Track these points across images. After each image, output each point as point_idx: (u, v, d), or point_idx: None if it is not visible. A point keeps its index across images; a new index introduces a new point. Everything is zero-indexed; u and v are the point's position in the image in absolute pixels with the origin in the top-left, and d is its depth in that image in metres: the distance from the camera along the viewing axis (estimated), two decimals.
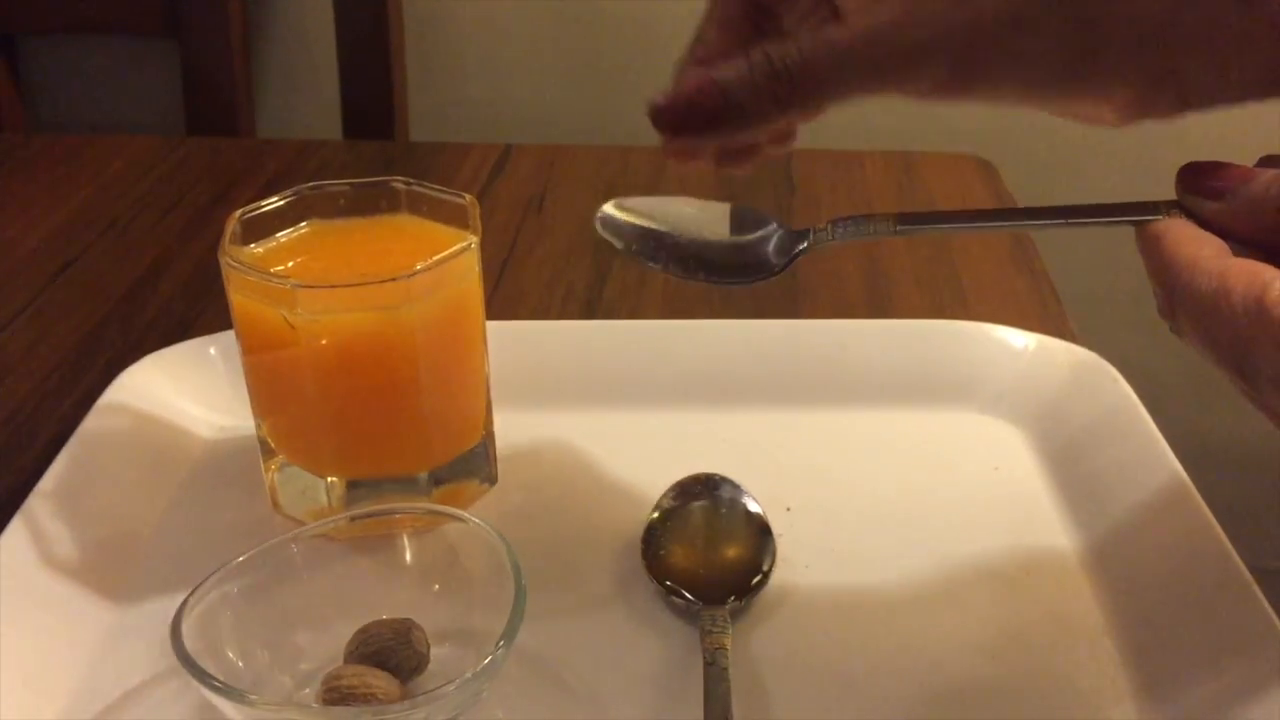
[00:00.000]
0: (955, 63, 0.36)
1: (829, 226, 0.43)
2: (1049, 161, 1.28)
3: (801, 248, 0.44)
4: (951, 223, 0.44)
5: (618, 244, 0.45)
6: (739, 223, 0.45)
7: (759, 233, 0.45)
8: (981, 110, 1.23)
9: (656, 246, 0.45)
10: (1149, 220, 0.39)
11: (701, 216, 0.45)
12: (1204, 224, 0.38)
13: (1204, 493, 0.49)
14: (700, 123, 0.39)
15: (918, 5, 0.36)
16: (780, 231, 0.45)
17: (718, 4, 0.42)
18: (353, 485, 0.50)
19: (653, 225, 0.45)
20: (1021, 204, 0.84)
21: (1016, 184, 0.88)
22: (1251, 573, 0.45)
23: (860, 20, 0.37)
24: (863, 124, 1.28)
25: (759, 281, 0.44)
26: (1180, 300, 0.36)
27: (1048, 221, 0.42)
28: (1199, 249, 0.36)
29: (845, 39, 0.37)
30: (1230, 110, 0.37)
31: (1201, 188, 0.39)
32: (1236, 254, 0.36)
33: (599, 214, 0.45)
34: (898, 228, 0.42)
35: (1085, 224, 0.41)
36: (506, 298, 0.71)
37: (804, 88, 0.37)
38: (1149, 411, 0.54)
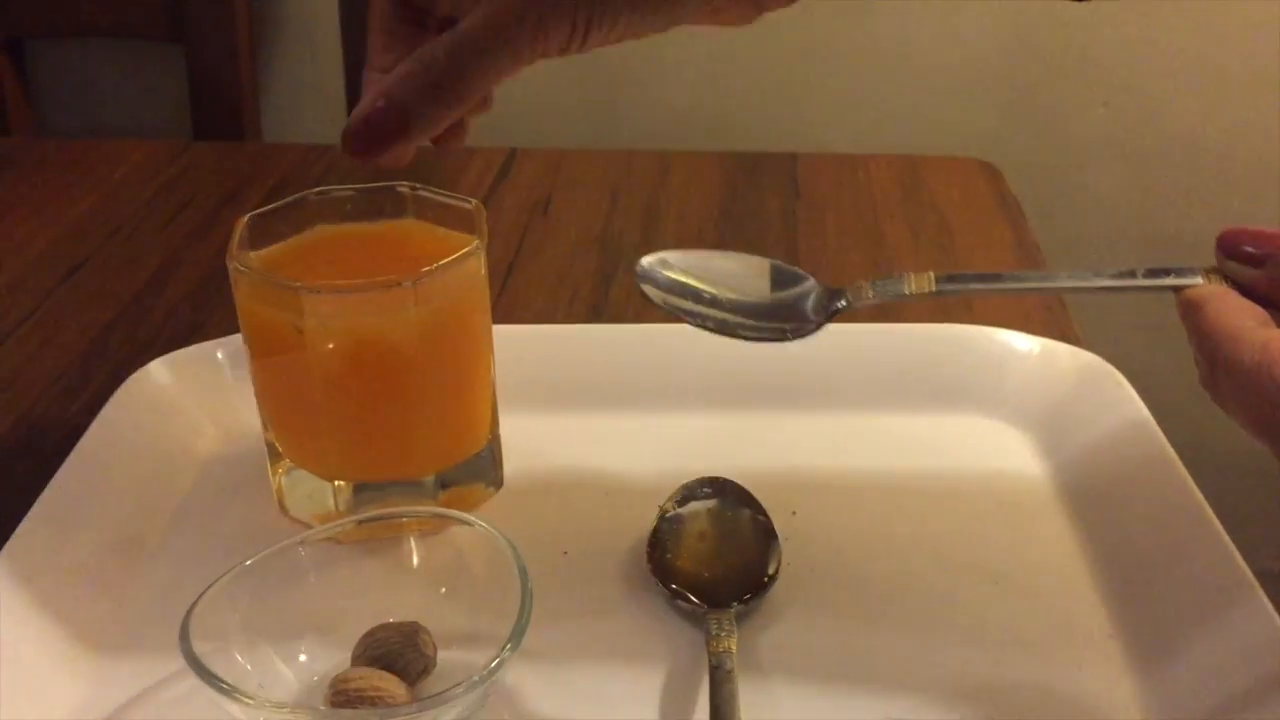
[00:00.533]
0: (581, 13, 0.38)
1: (868, 284, 0.44)
2: (1053, 165, 1.28)
3: (840, 305, 0.44)
4: (990, 284, 0.44)
5: (656, 298, 0.45)
6: (777, 279, 0.46)
7: (796, 289, 0.45)
8: (986, 114, 1.24)
9: (695, 302, 0.45)
10: (1189, 285, 0.39)
11: (740, 272, 0.46)
12: (1243, 290, 0.39)
13: (1208, 495, 0.49)
14: (386, 137, 0.41)
15: None
16: (818, 289, 0.45)
17: (374, 11, 0.44)
18: (359, 489, 0.50)
19: (691, 281, 0.45)
20: (1025, 207, 0.84)
21: (1021, 187, 0.88)
22: (1255, 575, 0.45)
23: (486, 7, 0.39)
24: (867, 128, 1.29)
25: (796, 339, 0.44)
26: (1223, 372, 0.36)
27: (1087, 284, 0.42)
28: (1241, 320, 0.37)
29: (477, 28, 0.39)
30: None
31: (1241, 254, 0.39)
32: (1279, 323, 0.37)
33: (638, 268, 0.45)
34: (936, 288, 0.42)
35: (1126, 289, 0.41)
36: (512, 301, 0.71)
37: (460, 81, 0.40)
38: (1153, 415, 0.55)
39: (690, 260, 0.46)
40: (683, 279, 0.45)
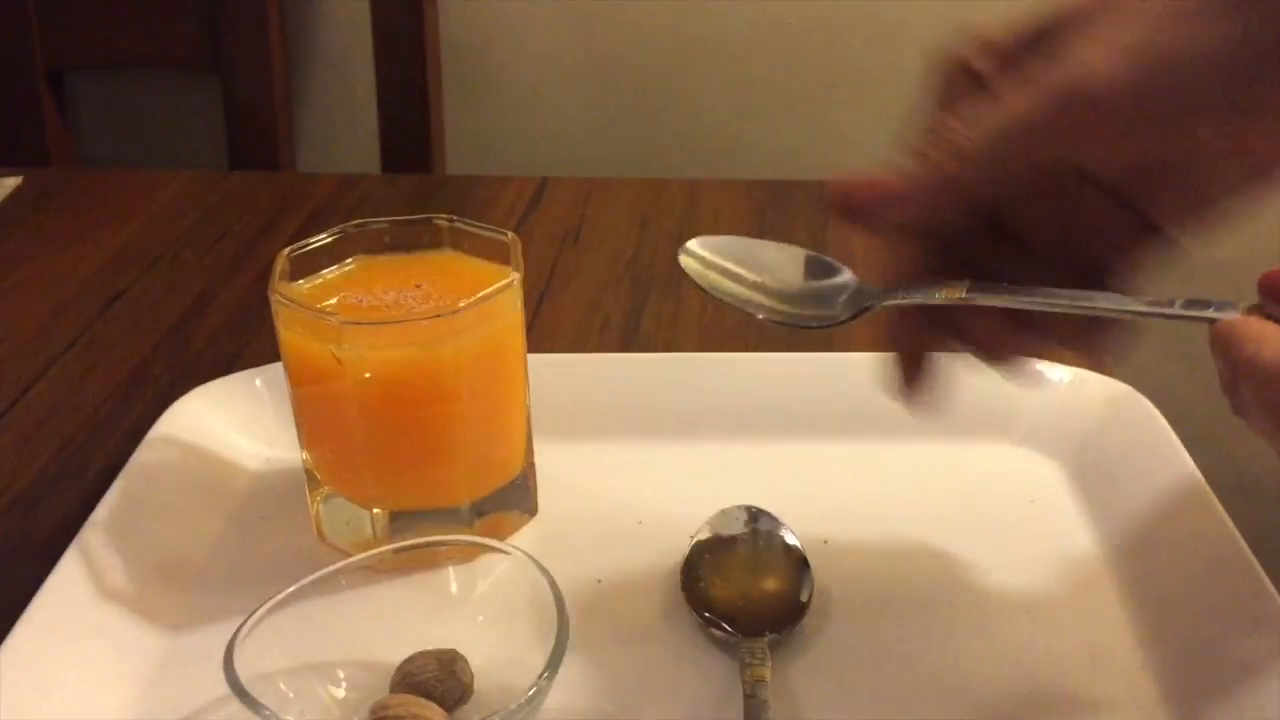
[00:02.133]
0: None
1: (900, 288, 0.45)
2: None
3: (869, 305, 0.45)
4: (1022, 296, 0.43)
5: (700, 281, 0.46)
6: (814, 269, 0.47)
7: (834, 280, 0.46)
8: None
9: (735, 284, 0.46)
10: (1225, 319, 0.39)
11: (779, 259, 0.47)
12: None
13: (1239, 524, 0.49)
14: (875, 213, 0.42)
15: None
16: (854, 283, 0.46)
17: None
18: (396, 516, 0.51)
19: (731, 266, 0.47)
20: None
21: None
22: None
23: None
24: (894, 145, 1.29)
25: (828, 326, 0.45)
26: (1244, 373, 0.35)
27: (1121, 308, 0.41)
28: (1264, 329, 0.36)
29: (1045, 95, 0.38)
30: None
31: None
32: None
33: (682, 250, 0.47)
34: (966, 295, 0.43)
35: (1162, 316, 0.40)
36: (544, 329, 0.72)
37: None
38: (1184, 444, 0.55)
39: (732, 244, 0.48)
40: (724, 263, 0.47)
